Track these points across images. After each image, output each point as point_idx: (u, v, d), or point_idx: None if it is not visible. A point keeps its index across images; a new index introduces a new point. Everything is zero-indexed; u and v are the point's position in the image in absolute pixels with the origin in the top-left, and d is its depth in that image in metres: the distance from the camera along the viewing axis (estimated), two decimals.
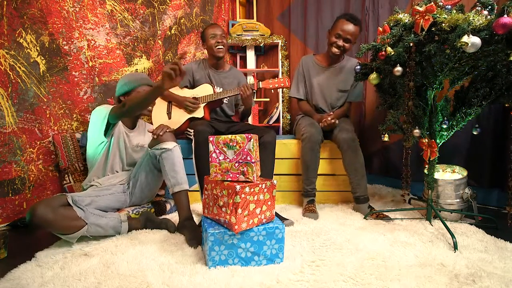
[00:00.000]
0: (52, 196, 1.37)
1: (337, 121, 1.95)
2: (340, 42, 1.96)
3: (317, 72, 2.16)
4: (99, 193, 1.55)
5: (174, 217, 1.74)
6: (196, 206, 2.00)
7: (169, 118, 2.10)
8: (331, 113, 2.05)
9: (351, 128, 2.00)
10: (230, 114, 2.23)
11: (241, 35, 2.91)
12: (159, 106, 2.17)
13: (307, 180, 1.92)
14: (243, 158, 1.21)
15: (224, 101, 2.16)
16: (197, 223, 1.57)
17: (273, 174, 1.91)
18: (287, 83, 1.90)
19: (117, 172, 1.71)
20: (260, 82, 1.94)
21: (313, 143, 1.87)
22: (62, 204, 1.31)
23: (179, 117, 2.07)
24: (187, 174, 2.05)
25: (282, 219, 1.66)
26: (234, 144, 1.23)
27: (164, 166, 1.54)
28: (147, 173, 1.67)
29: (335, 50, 1.98)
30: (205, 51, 2.79)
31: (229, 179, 1.24)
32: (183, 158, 2.04)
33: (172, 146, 1.56)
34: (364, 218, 1.72)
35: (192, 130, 1.89)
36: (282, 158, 2.05)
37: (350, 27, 1.91)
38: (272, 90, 1.96)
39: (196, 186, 2.10)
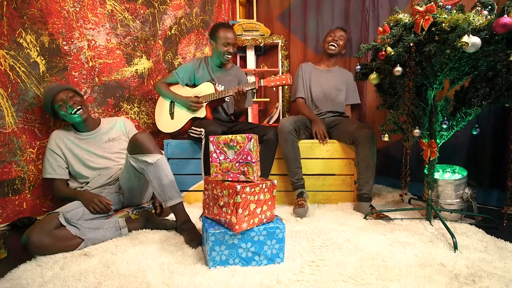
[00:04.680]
0: (44, 218, 1.32)
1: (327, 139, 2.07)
2: (336, 38, 2.29)
3: (318, 75, 2.34)
4: None
5: (173, 217, 1.73)
6: (199, 206, 1.99)
7: (172, 118, 2.10)
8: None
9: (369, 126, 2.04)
10: (231, 112, 2.24)
11: (241, 35, 2.90)
12: (162, 106, 2.16)
13: (290, 171, 1.94)
14: (243, 158, 1.21)
15: (226, 99, 2.16)
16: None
17: (269, 172, 1.92)
18: (289, 80, 1.89)
19: (88, 176, 1.67)
20: (262, 80, 1.93)
21: (285, 134, 1.91)
22: (56, 226, 1.29)
23: (182, 117, 2.06)
24: (190, 174, 2.07)
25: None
26: (235, 144, 1.23)
27: (151, 181, 1.47)
28: (132, 178, 1.57)
29: (330, 46, 2.29)
30: (206, 49, 2.79)
31: (229, 179, 1.24)
32: (186, 159, 2.06)
33: (155, 160, 1.45)
34: (364, 218, 1.72)
35: (198, 129, 1.88)
36: (282, 158, 2.05)
37: (338, 33, 2.31)
38: (274, 88, 1.95)
39: (196, 186, 2.10)
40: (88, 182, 1.66)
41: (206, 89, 2.05)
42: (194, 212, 1.80)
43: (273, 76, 1.94)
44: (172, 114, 2.10)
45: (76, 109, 1.62)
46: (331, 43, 2.27)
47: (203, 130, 1.84)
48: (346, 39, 2.33)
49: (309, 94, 2.33)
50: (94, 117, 1.92)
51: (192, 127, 1.98)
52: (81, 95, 1.73)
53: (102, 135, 1.75)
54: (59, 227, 1.30)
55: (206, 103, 2.02)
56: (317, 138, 2.05)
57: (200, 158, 1.87)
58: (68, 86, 1.69)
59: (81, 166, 1.66)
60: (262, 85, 1.91)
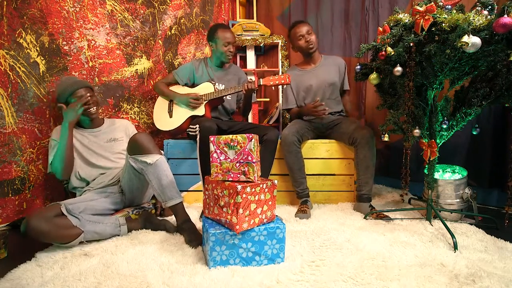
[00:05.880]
0: (46, 206, 1.34)
1: (326, 109, 1.99)
2: (308, 38, 2.14)
3: (306, 78, 2.22)
4: (93, 196, 1.53)
5: (174, 217, 1.73)
6: (198, 206, 1.99)
7: (170, 116, 2.11)
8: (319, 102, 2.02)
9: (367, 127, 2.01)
10: (231, 111, 2.25)
11: (241, 35, 2.91)
12: (161, 105, 2.17)
13: (295, 182, 1.95)
14: (244, 158, 1.21)
15: (228, 98, 2.17)
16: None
17: (269, 172, 1.92)
18: (287, 79, 1.90)
19: (87, 174, 1.67)
20: (261, 79, 1.94)
21: (288, 145, 1.90)
22: (56, 214, 1.29)
23: (180, 115, 2.07)
24: (189, 174, 2.07)
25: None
26: (235, 144, 1.23)
27: (151, 181, 1.47)
28: (132, 178, 1.59)
29: (309, 46, 2.15)
30: (206, 49, 2.79)
31: (230, 179, 1.24)
32: (186, 158, 2.06)
33: (154, 160, 1.45)
34: (364, 218, 1.72)
35: (195, 126, 1.89)
36: (282, 159, 2.05)
37: (304, 28, 2.14)
38: (273, 87, 1.96)
39: (196, 186, 2.10)
40: (89, 183, 1.67)
41: (205, 88, 2.07)
42: (194, 212, 1.80)
43: (272, 76, 1.96)
44: (170, 112, 2.11)
45: (91, 108, 1.69)
46: (309, 45, 2.13)
47: (197, 125, 1.85)
48: (312, 29, 2.18)
49: (301, 102, 2.23)
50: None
51: (190, 125, 1.98)
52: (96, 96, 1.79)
53: (104, 134, 1.77)
54: (59, 215, 1.30)
55: (205, 101, 2.03)
56: (319, 115, 2.00)
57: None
58: (89, 84, 1.76)
59: (80, 162, 1.67)
60: (261, 84, 1.94)
